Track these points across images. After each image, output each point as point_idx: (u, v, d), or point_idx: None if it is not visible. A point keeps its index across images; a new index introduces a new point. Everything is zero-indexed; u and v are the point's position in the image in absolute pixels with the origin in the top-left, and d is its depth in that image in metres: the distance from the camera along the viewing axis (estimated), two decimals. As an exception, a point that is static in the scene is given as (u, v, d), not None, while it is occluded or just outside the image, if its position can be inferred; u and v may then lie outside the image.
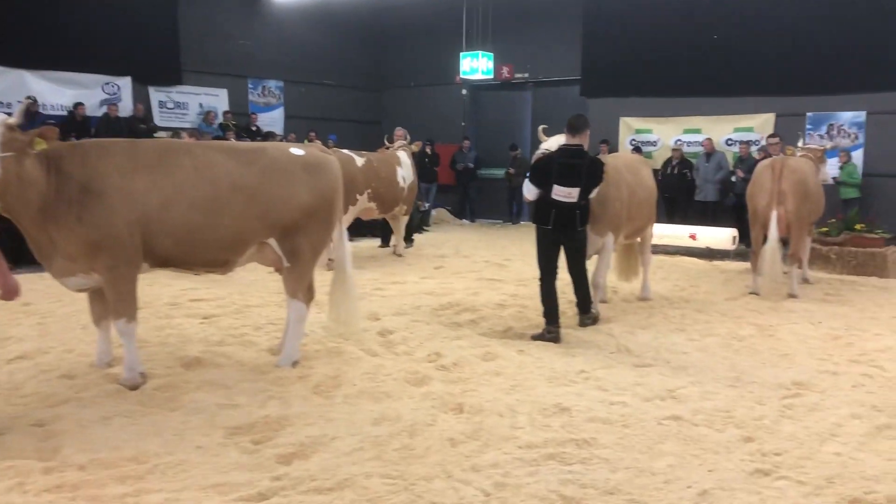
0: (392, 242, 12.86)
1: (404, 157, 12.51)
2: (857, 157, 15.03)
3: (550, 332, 6.83)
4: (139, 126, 16.02)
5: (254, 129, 18.07)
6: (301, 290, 5.77)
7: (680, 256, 12.84)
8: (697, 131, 16.73)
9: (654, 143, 17.39)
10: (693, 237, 12.89)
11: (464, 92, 20.61)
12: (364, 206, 11.43)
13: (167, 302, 8.13)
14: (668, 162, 16.35)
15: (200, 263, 5.46)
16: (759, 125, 15.86)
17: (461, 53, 17.61)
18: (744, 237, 11.95)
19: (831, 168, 11.57)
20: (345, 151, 11.56)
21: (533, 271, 7.30)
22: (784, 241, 9.23)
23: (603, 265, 7.90)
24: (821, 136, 15.30)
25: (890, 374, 5.91)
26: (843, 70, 14.89)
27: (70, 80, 15.75)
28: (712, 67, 16.25)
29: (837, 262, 11.22)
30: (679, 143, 16.79)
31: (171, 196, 5.10)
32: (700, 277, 10.69)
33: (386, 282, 9.81)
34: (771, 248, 8.76)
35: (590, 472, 3.94)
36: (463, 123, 20.71)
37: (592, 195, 7.01)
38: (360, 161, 11.46)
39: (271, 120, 19.38)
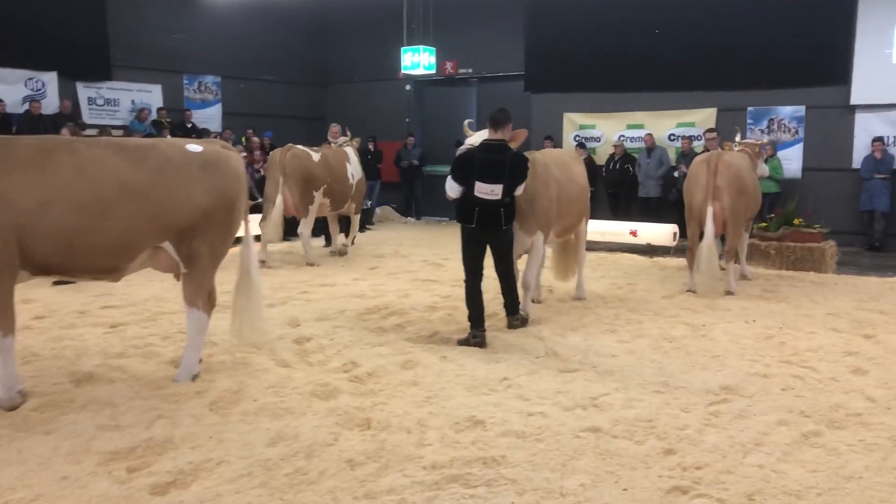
0: (339, 243, 12.48)
1: (351, 153, 12.24)
2: (797, 151, 15.07)
3: (475, 336, 6.53)
4: (65, 123, 15.34)
5: (189, 125, 17.48)
6: (200, 297, 5.36)
7: (621, 253, 12.66)
8: (640, 126, 16.61)
9: (597, 139, 17.22)
10: (634, 234, 12.73)
11: (408, 88, 20.25)
12: (320, 203, 11.19)
13: (75, 310, 7.63)
14: (610, 158, 16.22)
15: (85, 270, 5.01)
16: (700, 120, 15.79)
17: (402, 48, 17.23)
18: (685, 233, 11.88)
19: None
20: (301, 147, 11.33)
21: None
22: (721, 238, 9.09)
23: (533, 265, 7.60)
24: (762, 131, 15.33)
25: (820, 376, 5.72)
26: (783, 65, 14.90)
27: (-9, 76, 15.01)
28: (655, 62, 16.16)
29: (776, 258, 11.13)
30: (622, 138, 16.66)
31: (50, 198, 4.65)
32: (639, 275, 10.50)
33: (315, 284, 9.42)
34: (707, 245, 8.58)
35: (494, 497, 3.63)
36: (407, 119, 20.35)
37: (518, 192, 6.72)
38: (316, 157, 11.22)
39: (208, 117, 18.79)
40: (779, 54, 14.90)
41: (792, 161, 15.12)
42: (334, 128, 13.46)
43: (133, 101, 17.25)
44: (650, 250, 12.55)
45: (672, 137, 16.26)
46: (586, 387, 5.34)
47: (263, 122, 19.38)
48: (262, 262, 10.69)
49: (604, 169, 16.35)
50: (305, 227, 11.19)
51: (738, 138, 10.69)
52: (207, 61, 18.80)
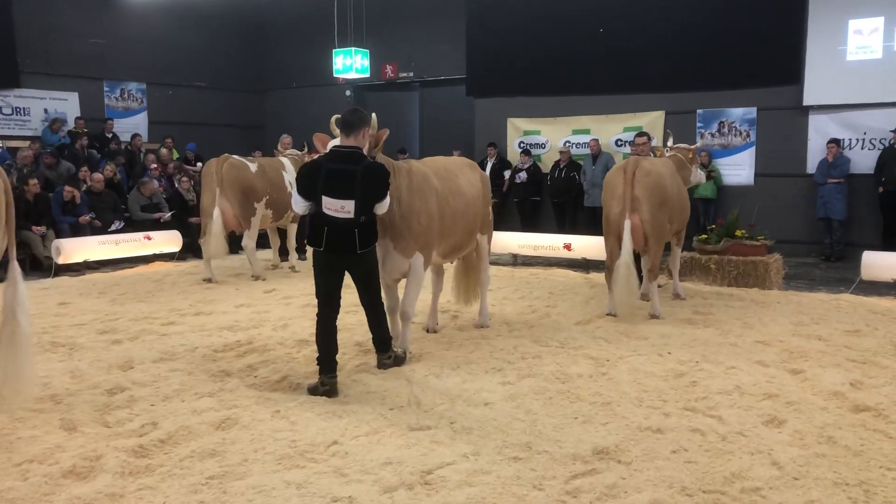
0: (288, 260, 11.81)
1: (287, 162, 11.50)
2: (749, 156, 14.16)
3: (324, 384, 5.46)
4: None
5: (110, 135, 16.35)
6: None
7: (556, 269, 11.65)
8: (587, 132, 15.68)
9: (542, 146, 16.27)
10: (568, 247, 11.73)
11: (348, 93, 19.23)
12: (262, 214, 10.70)
13: None
14: (555, 165, 15.27)
15: None
16: (648, 123, 14.85)
17: (334, 50, 16.18)
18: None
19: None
20: (237, 157, 10.71)
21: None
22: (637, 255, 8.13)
23: (412, 291, 6.50)
24: (712, 135, 14.45)
25: (726, 429, 4.71)
26: (733, 64, 14.01)
27: None
28: (600, 64, 15.25)
29: (717, 273, 10.15)
30: (567, 144, 15.71)
31: None
32: (564, 294, 9.48)
33: (188, 312, 8.34)
34: (624, 263, 7.59)
35: None
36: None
37: (381, 211, 5.66)
38: (253, 167, 10.69)
39: (133, 126, 17.69)
40: (729, 54, 14.01)
41: (743, 167, 14.23)
42: (285, 139, 13.03)
43: (46, 111, 16.11)
44: (586, 265, 11.53)
45: (619, 143, 15.34)
46: (428, 454, 4.29)
47: (195, 130, 18.30)
48: (208, 280, 10.37)
49: (549, 177, 15.41)
50: (249, 239, 10.62)
51: (669, 142, 9.72)
52: (130, 67, 17.70)
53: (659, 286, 9.22)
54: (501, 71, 16.38)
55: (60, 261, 11.12)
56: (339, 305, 5.69)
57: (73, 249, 11.23)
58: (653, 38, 14.59)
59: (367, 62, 16.20)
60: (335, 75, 16.50)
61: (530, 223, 15.41)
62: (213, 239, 10.13)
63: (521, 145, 16.31)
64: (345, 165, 5.43)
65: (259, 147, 17.48)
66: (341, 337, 6.85)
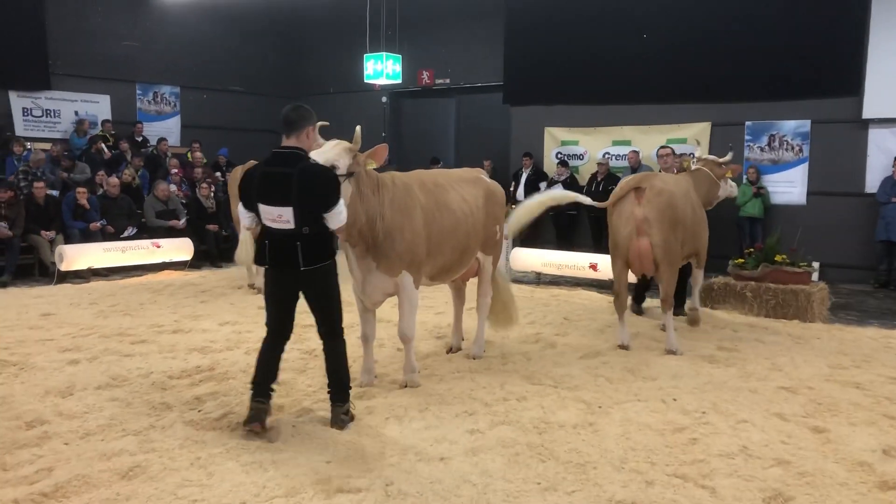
0: None
1: None
2: (801, 172, 13.07)
3: (251, 408, 4.86)
4: (4, 135, 14.12)
5: (139, 139, 16.13)
6: None
7: (579, 290, 10.83)
8: (627, 143, 14.78)
9: (580, 157, 15.43)
10: (594, 267, 10.88)
11: (384, 99, 18.68)
12: None
13: None
14: (592, 178, 14.43)
15: None
16: (693, 135, 13.89)
17: (365, 55, 15.66)
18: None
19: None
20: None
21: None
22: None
23: (406, 312, 5.88)
24: (761, 149, 13.41)
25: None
26: (787, 74, 12.97)
27: None
28: (643, 71, 14.36)
29: (754, 302, 9.20)
30: (607, 156, 14.86)
31: None
32: (579, 320, 8.67)
33: (168, 328, 7.82)
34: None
35: None
36: (383, 134, 18.72)
37: (334, 223, 4.82)
38: None
39: (165, 129, 17.44)
40: (781, 61, 12.98)
41: (795, 184, 13.15)
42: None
43: (76, 113, 15.95)
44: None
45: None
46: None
47: (228, 135, 18.00)
48: (252, 286, 10.27)
49: (585, 191, 14.53)
50: None
51: (697, 153, 8.85)
52: (164, 70, 17.48)
53: (691, 311, 8.42)
54: (539, 78, 15.63)
55: (63, 267, 10.80)
56: (287, 331, 5.05)
57: (76, 256, 10.89)
58: (699, 45, 13.67)
59: (399, 67, 15.64)
60: (366, 80, 15.96)
61: (566, 238, 14.61)
62: (241, 246, 9.74)
63: (559, 156, 15.53)
64: (280, 168, 4.75)
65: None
66: (314, 365, 6.31)
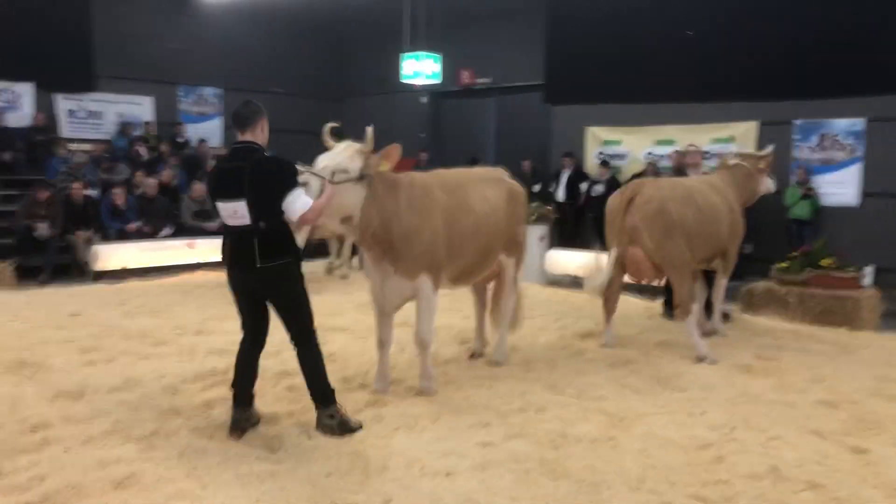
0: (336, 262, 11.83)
1: None
2: (854, 173, 12.49)
3: (233, 420, 4.81)
4: (36, 137, 14.34)
5: (181, 140, 16.27)
6: None
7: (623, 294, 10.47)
8: (671, 142, 14.32)
9: (622, 157, 15.04)
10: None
11: (423, 100, 18.51)
12: None
13: None
14: (635, 178, 13.97)
15: None
16: (740, 134, 13.45)
17: (402, 55, 15.51)
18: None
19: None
20: (298, 165, 10.17)
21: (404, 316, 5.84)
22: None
23: (424, 317, 5.67)
24: (811, 149, 12.86)
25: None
26: (839, 69, 12.34)
27: (-46, 87, 14.10)
28: (688, 69, 13.86)
29: (798, 308, 8.77)
30: (650, 155, 14.45)
31: None
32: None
33: (191, 329, 7.78)
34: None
35: None
36: (423, 134, 18.59)
37: (292, 211, 4.58)
38: None
39: (208, 131, 17.55)
40: (834, 57, 12.35)
41: (847, 185, 12.55)
42: None
43: (120, 115, 16.13)
44: (653, 290, 10.28)
45: (707, 155, 13.90)
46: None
47: (271, 137, 17.98)
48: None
49: (628, 190, 14.16)
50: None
51: (733, 149, 8.49)
52: (207, 72, 17.59)
53: (725, 317, 8.08)
54: (581, 76, 15.24)
55: (97, 267, 10.89)
56: (260, 334, 4.94)
57: (110, 255, 10.97)
58: (746, 40, 13.13)
59: (437, 67, 15.45)
60: (402, 80, 15.80)
61: (605, 240, 14.21)
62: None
63: (600, 156, 15.15)
64: (235, 163, 4.66)
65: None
66: (331, 370, 6.13)
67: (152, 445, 4.59)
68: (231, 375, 5.99)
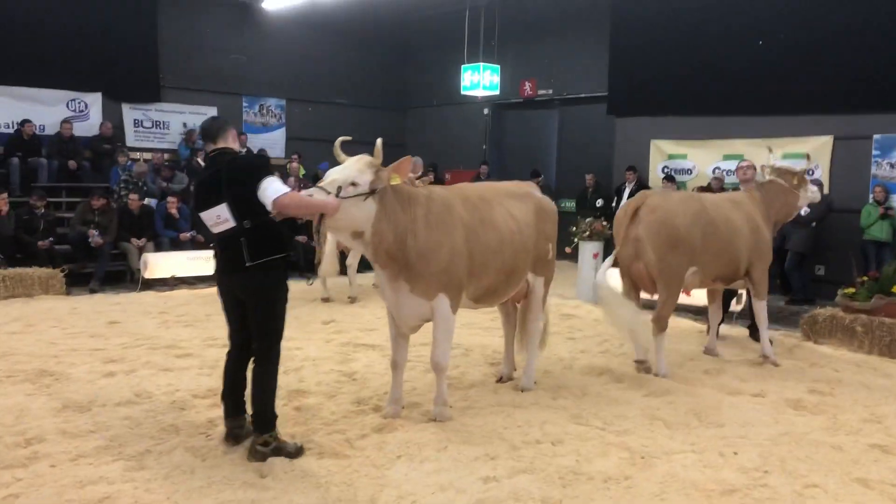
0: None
1: None
2: (938, 192, 11.61)
3: (228, 431, 4.80)
4: (102, 146, 14.68)
5: (243, 150, 16.39)
6: None
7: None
8: (739, 157, 13.52)
9: (689, 171, 14.43)
10: (687, 293, 9.95)
11: (485, 111, 18.24)
12: None
13: None
14: (703, 191, 13.36)
15: None
16: (814, 150, 12.65)
17: (462, 66, 15.30)
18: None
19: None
20: None
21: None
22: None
23: (441, 339, 5.37)
24: (891, 165, 12.02)
25: None
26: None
27: (27, 96, 14.52)
28: (758, 80, 13.24)
29: (865, 338, 8.10)
30: (717, 171, 13.82)
31: None
32: (647, 349, 7.88)
33: (221, 342, 7.51)
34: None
35: None
36: (484, 146, 18.33)
37: (266, 198, 4.38)
38: None
39: (271, 142, 17.74)
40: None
41: (929, 206, 11.69)
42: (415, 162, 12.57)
43: (184, 124, 16.40)
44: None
45: (777, 171, 13.19)
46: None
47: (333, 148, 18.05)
48: (326, 300, 10.49)
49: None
50: (353, 258, 10.68)
51: (771, 159, 7.92)
52: (270, 83, 17.77)
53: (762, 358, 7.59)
54: (646, 88, 14.75)
55: (146, 275, 10.98)
56: (247, 344, 4.75)
57: (159, 264, 11.05)
58: (820, 50, 12.43)
59: (496, 78, 15.18)
60: (463, 92, 15.58)
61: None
62: (326, 258, 9.65)
63: (665, 170, 14.58)
64: (211, 170, 4.65)
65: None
66: (349, 390, 5.92)
67: (141, 465, 4.43)
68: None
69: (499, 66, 15.25)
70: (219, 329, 8.21)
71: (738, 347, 8.16)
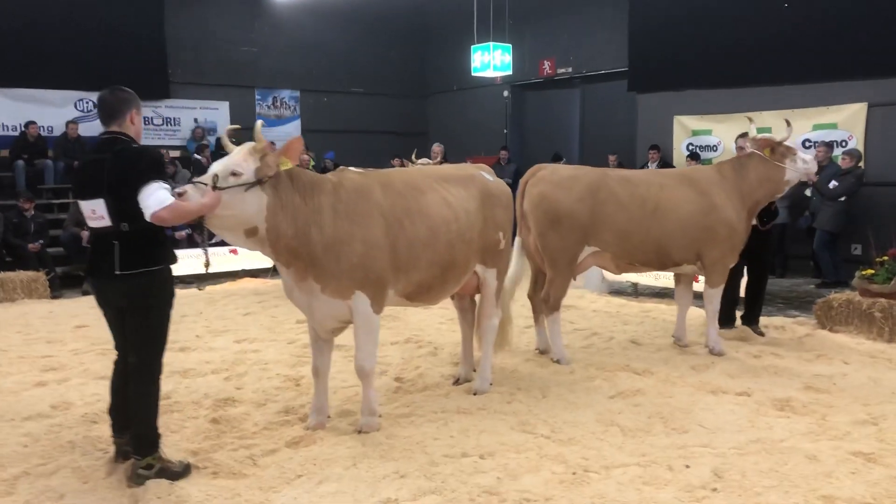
0: None
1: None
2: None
3: (117, 448, 4.39)
4: (111, 145, 14.52)
5: (256, 144, 16.11)
6: None
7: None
8: (766, 130, 12.59)
9: (714, 148, 13.56)
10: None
11: (505, 94, 17.59)
12: None
13: None
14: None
15: None
16: (845, 119, 11.78)
17: (472, 46, 14.66)
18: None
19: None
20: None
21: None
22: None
23: (363, 341, 4.81)
24: (929, 133, 10.99)
25: None
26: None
27: (35, 98, 14.48)
28: (785, 47, 12.38)
29: (885, 324, 7.27)
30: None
31: None
32: (650, 343, 7.22)
33: (179, 345, 7.23)
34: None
35: None
36: (505, 131, 17.67)
37: (146, 206, 3.84)
38: None
39: (285, 134, 17.30)
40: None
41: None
42: (436, 148, 12.49)
43: (195, 120, 16.20)
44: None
45: (807, 144, 12.27)
46: None
47: (351, 138, 17.76)
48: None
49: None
50: None
51: (752, 131, 7.03)
52: (283, 74, 17.46)
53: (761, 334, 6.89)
54: (668, 60, 13.95)
55: (136, 276, 10.69)
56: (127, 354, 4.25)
57: (150, 264, 10.71)
58: (851, 11, 11.46)
59: (508, 58, 14.48)
60: (473, 74, 14.95)
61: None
62: None
63: (689, 148, 13.77)
64: (96, 155, 4.10)
65: (422, 154, 16.48)
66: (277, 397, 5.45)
67: (11, 489, 4.03)
68: (181, 399, 5.51)
69: (510, 46, 14.54)
70: (188, 330, 7.92)
71: (742, 339, 7.41)
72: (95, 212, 3.99)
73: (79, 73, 14.61)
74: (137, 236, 3.97)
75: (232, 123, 15.90)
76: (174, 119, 16.06)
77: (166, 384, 5.79)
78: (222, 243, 11.85)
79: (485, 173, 5.72)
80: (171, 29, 15.72)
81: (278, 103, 17.53)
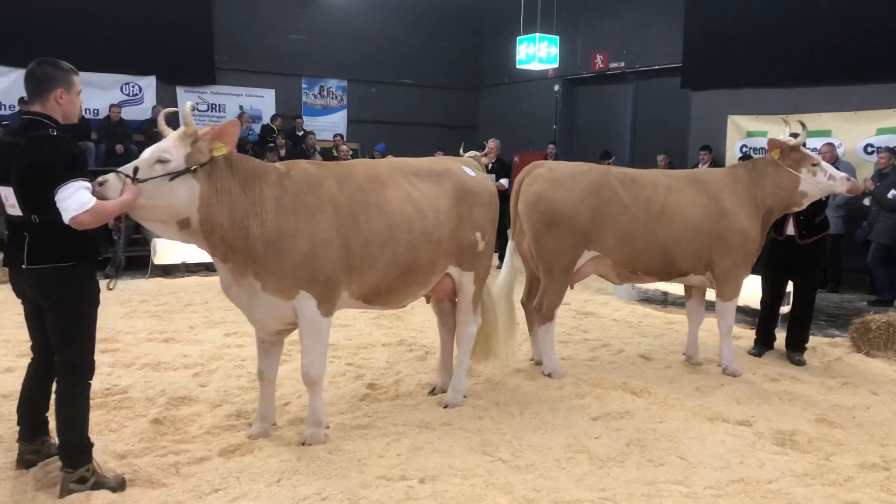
0: None
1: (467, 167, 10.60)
2: None
3: (20, 454, 4.08)
4: (152, 130, 14.54)
5: (300, 133, 15.97)
6: None
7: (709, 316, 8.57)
8: (826, 133, 11.90)
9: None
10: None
11: (556, 88, 17.00)
12: None
13: None
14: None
15: None
16: (914, 122, 10.84)
17: (518, 38, 14.15)
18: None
19: None
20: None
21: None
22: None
23: (308, 346, 4.43)
24: None
25: None
26: None
27: (82, 80, 14.50)
28: (848, 46, 11.53)
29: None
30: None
31: None
32: (660, 360, 6.65)
33: (164, 336, 7.05)
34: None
35: None
36: (554, 126, 17.08)
37: (64, 209, 3.51)
38: None
39: (331, 124, 17.22)
40: None
41: None
42: (491, 143, 12.53)
43: (241, 107, 16.13)
44: (752, 314, 8.30)
45: (869, 149, 11.39)
46: None
47: (399, 130, 17.46)
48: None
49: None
50: None
51: (787, 133, 6.33)
52: (331, 63, 17.24)
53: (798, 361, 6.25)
54: (723, 57, 13.21)
55: (155, 261, 10.62)
56: (42, 352, 3.92)
57: (167, 250, 10.62)
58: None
59: (554, 50, 13.92)
60: (518, 66, 14.44)
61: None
62: None
63: (743, 149, 13.00)
64: (11, 139, 3.80)
65: (473, 147, 16.09)
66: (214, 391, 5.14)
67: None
68: (136, 395, 5.28)
69: (557, 38, 13.97)
70: (181, 320, 7.74)
71: (769, 362, 6.76)
72: (8, 199, 3.70)
73: (126, 57, 14.69)
74: (49, 229, 3.64)
75: (278, 112, 15.90)
76: (219, 105, 16.02)
77: (129, 377, 5.62)
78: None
79: (467, 168, 5.26)
80: (218, 15, 15.68)
81: (325, 93, 17.33)
